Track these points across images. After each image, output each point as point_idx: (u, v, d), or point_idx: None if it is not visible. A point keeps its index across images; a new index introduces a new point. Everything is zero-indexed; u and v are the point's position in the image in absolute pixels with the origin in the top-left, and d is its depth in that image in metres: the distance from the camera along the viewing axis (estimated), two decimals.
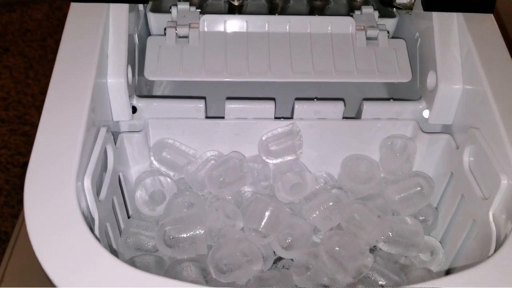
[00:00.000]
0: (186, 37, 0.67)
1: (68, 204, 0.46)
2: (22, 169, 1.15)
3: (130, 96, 0.63)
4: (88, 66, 0.56)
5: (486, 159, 0.55)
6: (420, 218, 0.66)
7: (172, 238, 0.57)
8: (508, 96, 0.56)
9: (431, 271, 0.61)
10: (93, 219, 0.51)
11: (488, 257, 0.47)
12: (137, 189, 0.64)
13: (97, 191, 0.53)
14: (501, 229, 0.51)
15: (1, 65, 1.40)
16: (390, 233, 0.60)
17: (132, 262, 0.58)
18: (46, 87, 0.54)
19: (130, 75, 0.62)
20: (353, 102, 0.69)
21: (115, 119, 0.62)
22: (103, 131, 0.56)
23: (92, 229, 0.49)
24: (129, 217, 0.65)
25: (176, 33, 0.67)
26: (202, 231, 0.57)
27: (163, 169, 0.66)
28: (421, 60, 0.68)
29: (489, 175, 0.54)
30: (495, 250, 0.49)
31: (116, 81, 0.60)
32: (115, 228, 0.59)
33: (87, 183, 0.49)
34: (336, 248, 0.57)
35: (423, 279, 0.59)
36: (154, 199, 0.65)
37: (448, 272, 0.63)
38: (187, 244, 0.57)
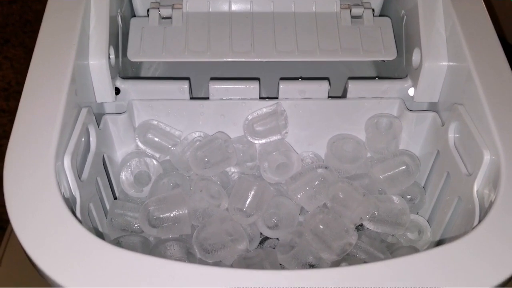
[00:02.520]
0: (170, 18, 0.67)
1: (47, 184, 0.46)
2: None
3: (113, 78, 0.63)
4: (67, 47, 0.56)
5: (469, 135, 0.54)
6: (407, 197, 0.66)
7: (156, 218, 0.57)
8: (491, 73, 0.56)
9: (417, 249, 0.61)
10: (74, 199, 0.50)
11: (472, 228, 0.47)
12: (122, 170, 0.64)
13: (79, 172, 0.53)
14: (485, 203, 0.51)
15: (1, 56, 1.40)
16: (376, 212, 0.60)
17: (117, 243, 0.58)
18: None
19: (112, 56, 0.62)
20: (339, 81, 0.69)
21: (98, 100, 0.62)
22: (84, 111, 0.55)
23: (73, 210, 0.50)
24: (115, 199, 0.65)
25: (159, 14, 0.67)
26: (186, 211, 0.57)
27: (148, 150, 0.65)
28: (406, 38, 0.68)
29: (473, 151, 0.54)
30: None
31: (98, 62, 0.60)
32: (100, 209, 0.59)
33: (67, 162, 0.49)
34: (320, 227, 0.56)
35: None
36: (140, 180, 0.64)
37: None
38: (171, 224, 0.57)
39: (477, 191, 0.52)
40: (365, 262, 0.57)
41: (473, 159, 0.54)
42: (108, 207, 0.62)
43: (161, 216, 0.57)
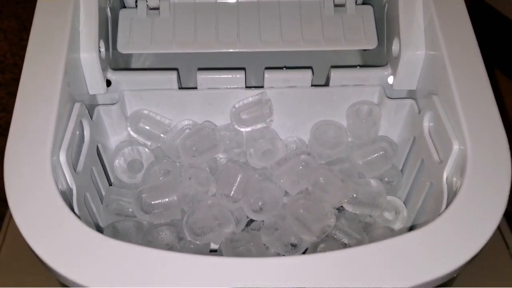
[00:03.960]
0: (157, 8, 0.69)
1: (45, 179, 0.49)
2: None
3: (104, 70, 0.65)
4: (59, 43, 0.58)
5: (441, 125, 0.58)
6: (385, 179, 0.70)
7: (148, 204, 0.61)
8: (463, 63, 0.59)
9: (393, 230, 0.66)
10: (71, 191, 0.54)
11: (439, 214, 0.51)
12: (116, 158, 0.67)
13: (75, 164, 0.57)
14: (453, 189, 0.55)
15: None
16: (355, 195, 0.64)
17: (113, 227, 0.62)
18: None
19: (103, 49, 0.64)
20: (323, 70, 0.71)
21: (90, 92, 0.65)
22: (77, 106, 0.58)
23: (70, 202, 0.53)
24: (110, 185, 0.69)
25: (147, 4, 0.69)
26: (176, 198, 0.61)
27: (140, 139, 0.69)
28: (388, 27, 0.70)
29: (444, 140, 0.57)
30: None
31: (89, 55, 0.62)
32: (96, 196, 0.63)
33: (62, 157, 0.53)
34: (300, 211, 0.61)
35: (384, 237, 0.63)
36: (133, 167, 0.68)
37: (410, 229, 0.67)
38: (162, 210, 0.61)
39: (446, 178, 0.56)
40: (342, 243, 0.61)
41: (444, 147, 0.58)
42: (103, 193, 0.66)
43: (152, 202, 0.61)
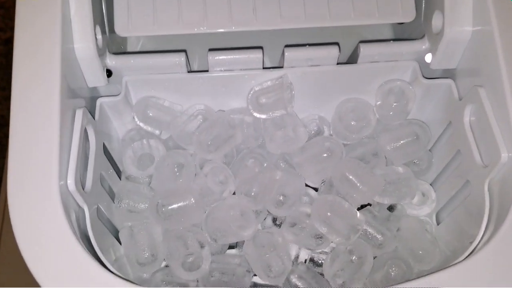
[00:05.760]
0: None
1: (54, 212, 0.45)
2: (6, 47, 1.12)
3: (103, 56, 0.57)
4: (50, 37, 0.50)
5: (487, 125, 0.52)
6: (415, 161, 0.65)
7: (165, 211, 0.57)
8: None
9: (421, 221, 0.63)
10: (83, 212, 0.50)
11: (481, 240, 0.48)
12: (125, 153, 0.62)
13: (83, 182, 0.51)
14: (494, 202, 0.51)
15: None
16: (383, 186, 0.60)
17: (130, 231, 0.59)
18: None
19: (99, 36, 0.56)
20: (347, 45, 0.63)
21: (90, 85, 0.57)
22: (79, 114, 0.51)
23: (83, 224, 0.50)
24: (118, 173, 0.64)
25: None
26: (193, 200, 0.57)
27: (149, 129, 0.62)
28: None
29: (489, 143, 0.52)
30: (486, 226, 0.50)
31: (85, 46, 0.54)
32: (109, 201, 0.59)
33: (71, 185, 0.47)
34: (328, 214, 0.57)
35: (413, 231, 0.60)
36: (144, 161, 0.63)
37: (437, 218, 0.64)
38: (180, 214, 0.57)
39: (489, 185, 0.51)
40: (375, 245, 0.58)
41: (488, 151, 0.52)
42: (112, 188, 0.61)
43: (169, 208, 0.57)
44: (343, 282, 0.56)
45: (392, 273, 0.57)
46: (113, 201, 0.60)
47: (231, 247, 0.63)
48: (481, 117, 0.53)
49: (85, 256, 0.44)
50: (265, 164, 0.59)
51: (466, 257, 0.48)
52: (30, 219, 0.45)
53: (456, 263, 0.46)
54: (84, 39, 0.53)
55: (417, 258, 0.58)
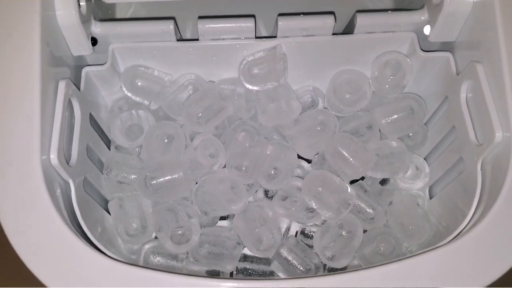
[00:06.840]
0: None
1: (37, 189, 0.44)
2: None
3: (87, 22, 0.54)
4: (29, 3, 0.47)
5: (483, 102, 0.50)
6: (409, 134, 0.64)
7: (153, 184, 0.56)
8: None
9: (414, 196, 0.62)
10: (68, 185, 0.49)
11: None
12: (114, 124, 0.60)
13: (67, 157, 0.50)
14: (486, 181, 0.50)
15: None
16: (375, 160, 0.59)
17: (119, 202, 0.58)
18: None
19: (83, 3, 0.53)
20: (343, 15, 0.60)
21: (74, 54, 0.55)
22: (62, 85, 0.50)
23: (69, 196, 0.49)
24: (108, 143, 0.63)
25: None
26: (182, 174, 0.56)
27: (137, 99, 0.61)
28: None
29: (484, 121, 0.51)
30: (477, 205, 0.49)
31: (67, 13, 0.51)
32: (97, 172, 0.58)
33: (54, 159, 0.46)
34: (319, 189, 0.56)
35: (407, 207, 0.60)
36: (132, 132, 0.62)
37: (430, 192, 0.64)
38: (168, 188, 0.56)
39: (482, 163, 0.51)
40: (366, 219, 0.58)
41: (483, 129, 0.51)
42: (101, 158, 0.60)
43: (157, 181, 0.56)
44: (332, 256, 0.56)
45: (381, 249, 0.58)
46: (102, 172, 0.59)
47: (222, 218, 0.62)
48: (478, 94, 0.51)
49: (68, 232, 0.44)
50: (257, 138, 0.58)
51: (454, 237, 0.47)
52: (12, 196, 0.44)
53: (443, 245, 0.45)
54: (66, 6, 0.51)
55: (407, 233, 0.58)
